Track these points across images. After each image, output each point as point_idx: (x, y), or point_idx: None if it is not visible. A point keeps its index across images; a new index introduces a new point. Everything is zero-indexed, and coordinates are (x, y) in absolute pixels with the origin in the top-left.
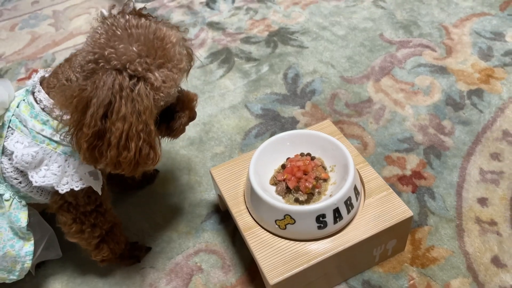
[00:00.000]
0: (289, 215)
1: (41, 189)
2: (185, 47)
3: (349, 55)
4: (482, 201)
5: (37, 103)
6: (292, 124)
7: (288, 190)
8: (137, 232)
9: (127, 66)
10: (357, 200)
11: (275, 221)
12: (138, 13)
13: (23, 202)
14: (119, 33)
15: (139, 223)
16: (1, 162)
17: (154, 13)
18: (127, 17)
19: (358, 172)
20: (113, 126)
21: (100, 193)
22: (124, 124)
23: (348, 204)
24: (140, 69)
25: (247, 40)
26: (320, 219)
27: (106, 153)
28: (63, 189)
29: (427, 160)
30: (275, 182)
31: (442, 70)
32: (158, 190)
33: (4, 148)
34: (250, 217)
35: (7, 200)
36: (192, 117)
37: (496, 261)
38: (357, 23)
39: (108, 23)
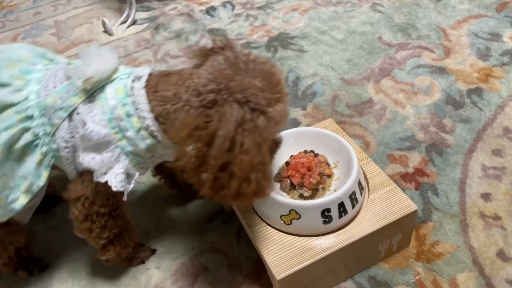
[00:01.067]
0: (294, 210)
1: (74, 165)
2: None
3: (349, 58)
4: (486, 196)
5: (131, 95)
6: (294, 125)
7: (292, 187)
8: (142, 233)
9: (250, 99)
10: (361, 195)
11: (280, 216)
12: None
13: (52, 162)
14: (242, 66)
15: (144, 224)
16: (64, 119)
17: (155, 22)
18: (244, 52)
19: (362, 168)
20: (236, 158)
21: (125, 199)
22: (247, 157)
23: (353, 198)
24: (263, 102)
25: (247, 46)
26: (325, 214)
27: (228, 185)
28: (100, 178)
29: (429, 157)
30: (279, 179)
31: (441, 71)
32: (162, 192)
33: (76, 111)
34: (255, 214)
35: (42, 153)
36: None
37: (502, 255)
38: (355, 27)
39: (229, 55)
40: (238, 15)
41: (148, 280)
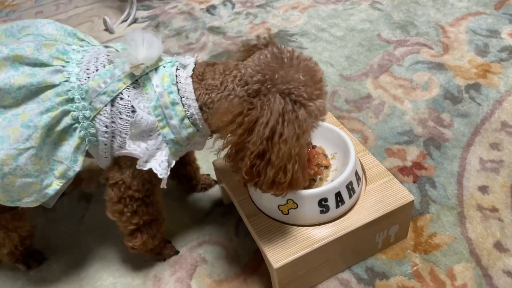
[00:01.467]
0: (292, 200)
1: (111, 150)
2: None
3: (348, 55)
4: (483, 189)
5: (177, 83)
6: None
7: None
8: None
9: (292, 91)
10: (358, 186)
11: (278, 206)
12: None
13: (87, 147)
14: (286, 61)
15: None
16: (107, 104)
17: (155, 20)
18: (289, 48)
19: (359, 160)
20: (275, 147)
21: (165, 187)
22: (285, 146)
23: (350, 188)
24: (305, 96)
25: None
26: (322, 203)
27: (264, 173)
28: (143, 167)
29: (427, 151)
30: None
31: (439, 67)
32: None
33: (119, 96)
34: (253, 205)
35: (79, 137)
36: None
37: (499, 246)
38: (355, 25)
39: (275, 50)
40: (238, 13)
41: (147, 271)
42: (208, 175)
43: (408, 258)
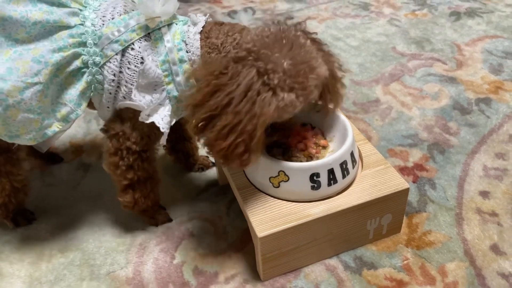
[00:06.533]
0: (283, 171)
1: (114, 101)
2: (339, 84)
3: (361, 63)
4: (484, 194)
5: (187, 39)
6: None
7: (285, 152)
8: None
9: (268, 73)
10: (353, 168)
11: (269, 178)
12: (306, 34)
13: (92, 94)
14: (284, 42)
15: None
16: (117, 52)
17: None
18: (299, 33)
19: (358, 147)
20: (225, 114)
21: (164, 143)
22: (234, 119)
23: (344, 168)
24: (275, 82)
25: None
26: (314, 179)
27: (206, 133)
28: (145, 120)
29: (431, 154)
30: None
31: (451, 80)
32: (160, 162)
33: (131, 47)
34: (245, 178)
35: (86, 82)
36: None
37: (495, 249)
38: (371, 37)
39: (282, 29)
40: (258, 19)
41: (133, 239)
42: (207, 156)
43: (399, 252)
